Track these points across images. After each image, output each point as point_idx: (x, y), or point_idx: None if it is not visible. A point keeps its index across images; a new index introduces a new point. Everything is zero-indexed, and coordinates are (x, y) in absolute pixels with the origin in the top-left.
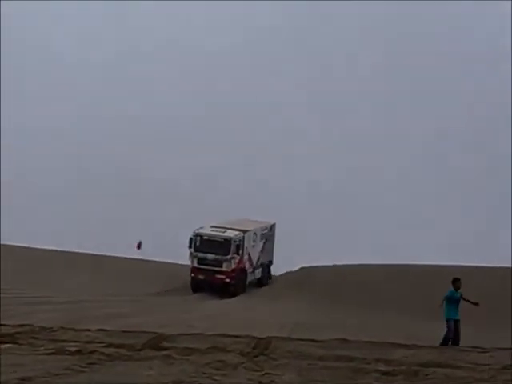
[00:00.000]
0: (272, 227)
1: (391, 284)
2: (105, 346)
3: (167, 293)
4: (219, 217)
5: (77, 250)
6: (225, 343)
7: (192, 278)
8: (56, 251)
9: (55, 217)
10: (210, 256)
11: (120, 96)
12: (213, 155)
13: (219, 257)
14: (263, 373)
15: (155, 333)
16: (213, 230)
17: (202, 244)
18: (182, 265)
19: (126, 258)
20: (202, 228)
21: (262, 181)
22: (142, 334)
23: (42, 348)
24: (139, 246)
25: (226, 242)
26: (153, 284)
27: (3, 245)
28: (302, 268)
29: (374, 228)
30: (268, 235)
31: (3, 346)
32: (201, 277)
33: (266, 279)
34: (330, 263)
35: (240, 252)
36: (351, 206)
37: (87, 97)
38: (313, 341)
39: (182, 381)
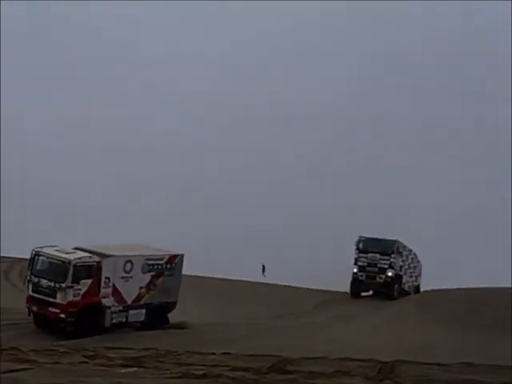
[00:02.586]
0: (172, 259)
1: None
2: (230, 370)
3: (288, 316)
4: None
5: (195, 274)
6: (349, 367)
7: (27, 309)
8: None
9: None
10: (44, 282)
11: None
12: None
13: (53, 284)
14: None
15: (279, 356)
16: (58, 250)
17: (40, 266)
18: (306, 288)
19: (247, 282)
20: (50, 246)
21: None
22: (266, 358)
23: (168, 372)
24: (263, 270)
25: (64, 265)
26: (274, 307)
27: None
28: (425, 291)
29: (501, 250)
30: (164, 269)
31: (130, 369)
32: (34, 308)
33: (156, 323)
34: (454, 286)
35: (85, 281)
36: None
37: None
38: (438, 364)
39: None
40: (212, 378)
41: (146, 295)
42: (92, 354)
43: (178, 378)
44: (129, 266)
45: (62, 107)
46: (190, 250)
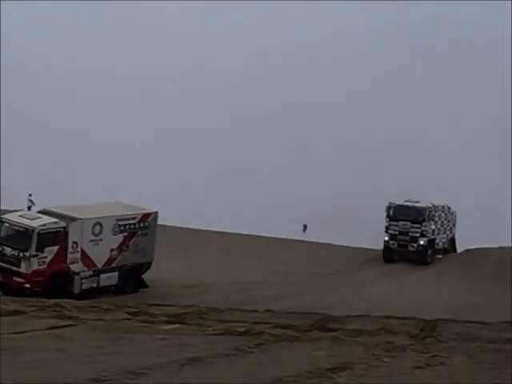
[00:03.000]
0: (145, 218)
1: None
2: (272, 327)
3: (331, 274)
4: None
5: (236, 231)
6: (392, 325)
7: None
8: (215, 232)
9: (219, 199)
10: (8, 251)
11: None
12: None
13: (17, 253)
14: (431, 355)
15: (321, 314)
16: (22, 216)
17: (4, 233)
18: (348, 247)
19: (289, 240)
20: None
21: None
22: (308, 315)
23: (210, 328)
24: (305, 229)
25: (27, 233)
26: (317, 265)
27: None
28: (467, 250)
29: None
30: (137, 228)
31: (172, 326)
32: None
33: (130, 287)
34: (496, 245)
35: (51, 249)
36: None
37: None
38: (480, 323)
39: (351, 362)
40: (254, 335)
41: (119, 257)
42: (135, 310)
43: (220, 334)
44: (98, 228)
45: None
46: (232, 208)
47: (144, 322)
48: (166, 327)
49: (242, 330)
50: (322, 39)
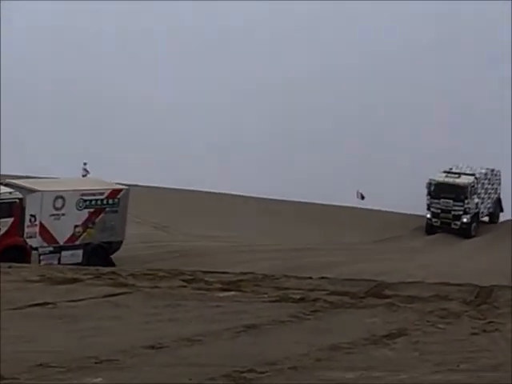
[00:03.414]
0: (114, 194)
1: None
2: (328, 294)
3: (384, 241)
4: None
5: (288, 199)
6: (447, 291)
7: None
8: (266, 199)
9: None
10: None
11: None
12: None
13: None
14: (487, 321)
15: (376, 281)
16: None
17: None
18: (401, 213)
19: (342, 207)
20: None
21: None
22: (363, 282)
23: (266, 295)
24: (362, 198)
25: None
26: (371, 232)
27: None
28: None
29: None
30: (105, 204)
31: (227, 293)
32: None
33: (99, 262)
34: None
35: (5, 220)
36: None
37: None
38: None
39: (406, 328)
40: (309, 301)
41: (84, 234)
42: (190, 277)
43: (276, 301)
44: (60, 202)
45: None
46: (286, 175)
47: (199, 289)
48: (222, 294)
49: (298, 297)
50: None
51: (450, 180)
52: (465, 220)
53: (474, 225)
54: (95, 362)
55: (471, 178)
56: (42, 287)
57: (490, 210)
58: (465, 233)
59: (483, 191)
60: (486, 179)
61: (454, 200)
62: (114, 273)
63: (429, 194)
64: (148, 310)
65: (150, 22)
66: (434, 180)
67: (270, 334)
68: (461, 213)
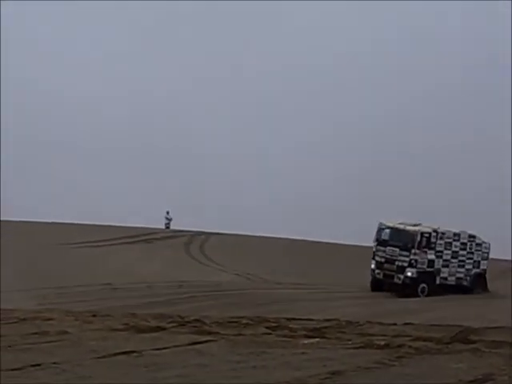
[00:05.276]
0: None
1: None
2: (412, 340)
3: None
4: None
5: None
6: None
7: None
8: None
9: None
10: None
11: None
12: None
13: None
14: None
15: (461, 326)
16: None
17: None
18: None
19: None
20: None
21: None
22: (448, 328)
23: (350, 342)
24: None
25: None
26: None
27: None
28: None
29: None
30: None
31: (311, 340)
32: None
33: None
34: None
35: None
36: None
37: None
38: None
39: (493, 373)
40: (394, 348)
41: None
42: (274, 325)
43: (360, 348)
44: None
45: None
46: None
47: (284, 336)
48: (306, 341)
49: (382, 343)
50: None
51: (401, 226)
52: (409, 274)
53: (423, 285)
54: None
55: (428, 229)
56: (126, 336)
57: (464, 283)
58: (409, 291)
59: (449, 253)
60: (457, 241)
61: (401, 249)
62: (198, 320)
63: (376, 240)
64: (233, 357)
65: None
66: (384, 224)
67: (356, 381)
68: (405, 264)
